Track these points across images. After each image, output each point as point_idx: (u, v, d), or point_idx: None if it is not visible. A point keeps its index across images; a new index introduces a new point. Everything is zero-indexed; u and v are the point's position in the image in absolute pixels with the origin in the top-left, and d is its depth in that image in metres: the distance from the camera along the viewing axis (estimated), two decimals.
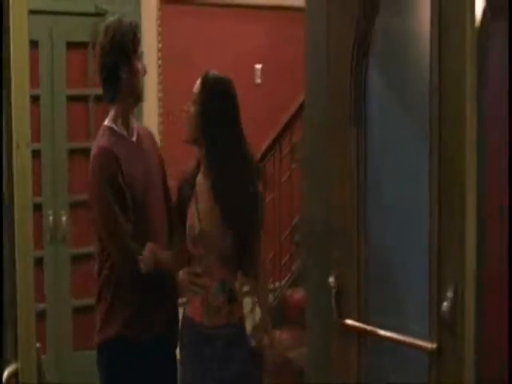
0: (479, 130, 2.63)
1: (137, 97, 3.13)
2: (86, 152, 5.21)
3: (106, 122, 3.12)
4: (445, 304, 2.58)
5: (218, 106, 3.06)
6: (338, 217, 2.95)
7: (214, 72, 3.16)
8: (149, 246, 2.95)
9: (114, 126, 3.09)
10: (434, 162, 2.63)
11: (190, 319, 3.10)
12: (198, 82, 3.12)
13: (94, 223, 3.13)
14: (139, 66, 3.10)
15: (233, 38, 5.83)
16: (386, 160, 2.86)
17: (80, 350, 5.18)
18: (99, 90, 5.43)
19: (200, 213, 3.01)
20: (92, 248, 5.07)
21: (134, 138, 3.14)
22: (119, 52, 3.02)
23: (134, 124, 3.19)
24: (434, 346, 2.62)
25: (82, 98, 5.28)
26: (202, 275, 3.02)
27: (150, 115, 5.25)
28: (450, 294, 2.59)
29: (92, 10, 5.17)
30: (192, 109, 3.07)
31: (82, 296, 5.20)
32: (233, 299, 3.06)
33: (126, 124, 3.12)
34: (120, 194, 2.94)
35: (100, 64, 3.09)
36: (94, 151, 3.02)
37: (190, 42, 5.67)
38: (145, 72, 3.14)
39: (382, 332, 2.82)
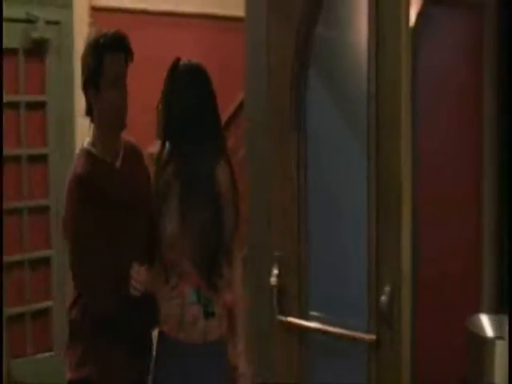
0: (413, 135, 2.80)
1: (109, 123, 2.70)
2: (17, 159, 5.22)
3: (84, 144, 2.73)
4: (383, 298, 2.73)
5: (182, 100, 2.74)
6: (279, 217, 3.07)
7: (185, 60, 2.87)
8: (135, 266, 2.65)
9: (92, 148, 2.70)
10: (371, 166, 2.78)
11: (164, 335, 2.76)
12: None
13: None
14: (108, 91, 2.64)
15: (161, 45, 5.89)
16: (326, 164, 2.99)
17: (14, 358, 5.13)
18: (30, 97, 5.46)
19: (169, 213, 2.70)
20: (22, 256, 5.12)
21: (118, 163, 2.74)
22: (85, 71, 2.65)
23: (120, 147, 2.76)
24: (373, 337, 2.76)
25: (13, 105, 5.24)
26: (178, 284, 2.73)
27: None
28: (387, 288, 2.74)
29: (23, 16, 5.13)
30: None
31: (14, 304, 5.16)
32: (209, 314, 2.72)
33: (108, 147, 2.72)
34: (95, 228, 2.61)
35: None
36: (69, 177, 2.67)
37: None
38: (122, 101, 2.68)
39: (322, 327, 2.95)
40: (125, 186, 2.71)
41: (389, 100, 2.72)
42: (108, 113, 2.65)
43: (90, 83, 2.63)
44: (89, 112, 2.68)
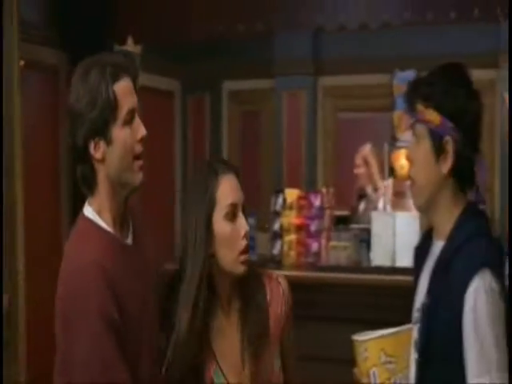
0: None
1: (121, 182, 1.90)
2: None
3: (88, 214, 1.91)
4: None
5: None
6: None
7: None
8: None
9: (99, 220, 1.90)
10: None
11: None
12: None
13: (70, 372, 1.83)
14: (122, 134, 1.86)
15: None
16: None
17: None
18: None
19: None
20: None
21: (130, 239, 1.96)
22: (91, 120, 1.83)
23: (128, 216, 1.98)
24: None
25: None
26: None
27: None
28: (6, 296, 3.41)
29: None
30: None
31: None
32: None
33: (117, 216, 1.93)
34: (115, 331, 1.82)
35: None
36: (74, 262, 1.85)
37: None
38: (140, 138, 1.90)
39: None
40: (138, 270, 1.95)
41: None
42: (121, 164, 1.87)
43: (99, 134, 1.83)
44: (89, 182, 1.90)
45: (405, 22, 4.46)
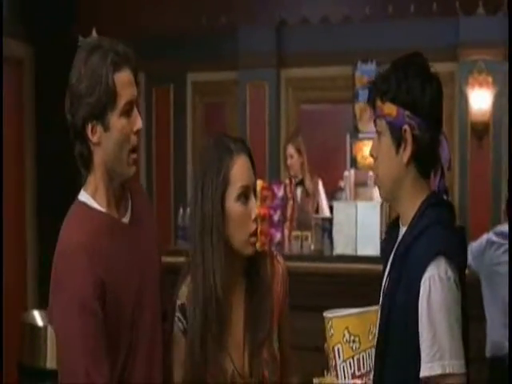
0: None
1: (117, 166, 1.90)
2: None
3: (82, 198, 1.92)
4: None
5: None
6: None
7: None
8: None
9: (93, 202, 1.90)
10: None
11: None
12: None
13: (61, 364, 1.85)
14: (118, 123, 1.86)
15: None
16: None
17: None
18: None
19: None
20: None
21: (127, 218, 1.94)
22: (90, 104, 1.83)
23: (127, 195, 1.98)
24: None
25: None
26: None
27: None
28: None
29: None
30: None
31: None
32: None
33: (114, 197, 1.93)
34: (94, 320, 1.77)
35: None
36: (62, 244, 1.84)
37: None
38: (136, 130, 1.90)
39: None
40: (136, 250, 1.93)
41: None
42: (116, 153, 1.88)
43: (96, 118, 1.84)
44: (86, 162, 1.90)
45: (366, 16, 4.54)
